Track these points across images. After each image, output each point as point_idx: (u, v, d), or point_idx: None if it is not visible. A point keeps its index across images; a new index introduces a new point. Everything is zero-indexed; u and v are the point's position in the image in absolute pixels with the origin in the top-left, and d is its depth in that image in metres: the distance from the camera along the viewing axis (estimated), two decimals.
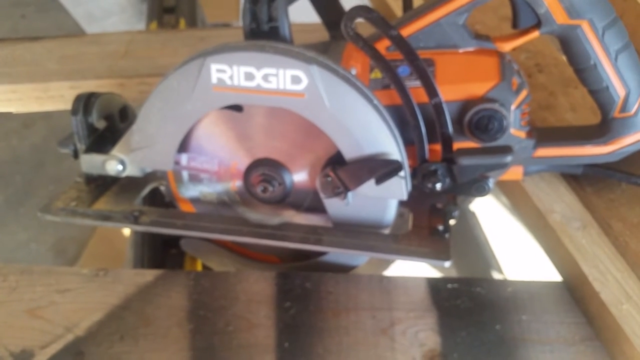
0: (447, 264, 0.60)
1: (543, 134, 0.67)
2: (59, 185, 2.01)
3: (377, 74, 0.62)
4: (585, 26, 0.60)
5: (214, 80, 0.57)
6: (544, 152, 0.66)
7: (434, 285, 0.66)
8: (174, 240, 0.74)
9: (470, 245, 1.52)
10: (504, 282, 0.67)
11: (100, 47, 0.90)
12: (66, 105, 0.85)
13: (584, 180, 0.71)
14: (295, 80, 0.56)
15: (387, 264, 0.80)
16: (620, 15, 0.88)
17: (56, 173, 2.03)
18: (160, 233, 0.67)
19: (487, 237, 1.52)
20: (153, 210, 0.67)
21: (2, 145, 2.17)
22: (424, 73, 0.57)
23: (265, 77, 0.56)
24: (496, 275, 1.44)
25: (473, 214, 1.55)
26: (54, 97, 0.86)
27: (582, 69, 0.63)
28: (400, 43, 0.56)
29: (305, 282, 0.65)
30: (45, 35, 0.93)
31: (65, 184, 0.72)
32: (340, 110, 0.57)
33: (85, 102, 0.68)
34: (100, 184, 0.71)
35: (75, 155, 0.70)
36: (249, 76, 0.56)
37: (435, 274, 0.67)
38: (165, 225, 0.65)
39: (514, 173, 0.67)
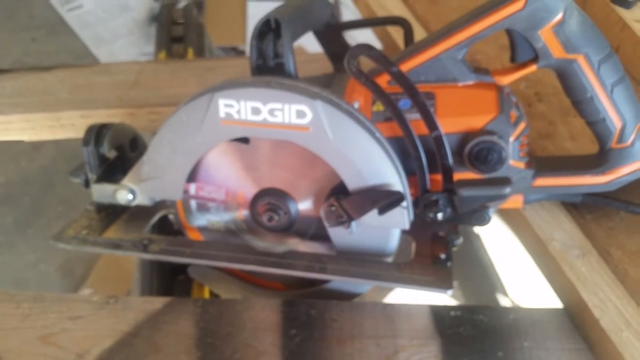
0: (449, 292, 0.61)
1: (542, 164, 0.68)
2: (68, 207, 2.03)
3: (379, 107, 0.64)
4: (582, 60, 0.62)
5: (222, 114, 0.59)
6: (543, 181, 0.67)
7: (437, 313, 0.67)
8: (182, 267, 0.75)
9: (475, 269, 1.53)
10: (506, 310, 0.69)
11: (111, 77, 0.92)
12: (77, 133, 0.88)
13: (584, 208, 0.72)
14: (300, 114, 0.58)
15: (390, 290, 0.81)
16: (617, 46, 0.91)
17: (65, 194, 2.05)
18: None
19: (492, 260, 1.53)
20: (162, 239, 0.69)
21: (12, 166, 2.19)
22: (424, 107, 0.59)
23: (272, 112, 0.58)
24: (501, 299, 1.44)
25: (478, 236, 1.57)
26: (66, 126, 0.89)
27: (579, 101, 0.65)
28: (401, 79, 0.58)
29: (310, 310, 0.67)
30: (56, 64, 0.96)
31: (73, 205, 0.74)
32: (344, 143, 0.59)
33: (96, 133, 0.70)
34: (111, 212, 0.73)
35: (87, 184, 0.72)
36: (256, 111, 0.58)
37: (439, 301, 0.67)
38: (173, 253, 0.67)
39: (515, 202, 0.69)
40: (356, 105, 0.65)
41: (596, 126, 0.66)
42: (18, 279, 1.89)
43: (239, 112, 0.59)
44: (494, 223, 0.71)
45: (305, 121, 0.58)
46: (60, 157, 2.18)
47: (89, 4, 2.72)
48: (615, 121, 0.64)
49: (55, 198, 2.09)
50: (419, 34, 0.94)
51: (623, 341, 0.62)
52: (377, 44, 1.00)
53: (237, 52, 2.45)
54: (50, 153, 2.21)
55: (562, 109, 0.83)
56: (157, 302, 0.68)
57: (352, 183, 0.61)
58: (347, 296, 0.71)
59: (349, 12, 2.30)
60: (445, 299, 0.63)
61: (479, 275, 1.51)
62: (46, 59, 2.55)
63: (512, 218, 0.76)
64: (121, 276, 1.72)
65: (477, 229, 1.53)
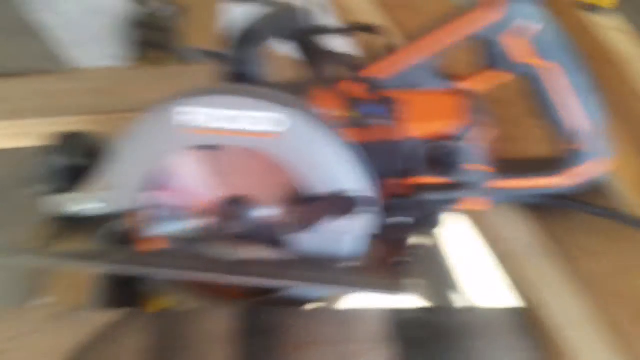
0: (403, 295, 0.61)
1: (503, 167, 0.68)
2: (27, 213, 1.99)
3: (346, 113, 0.64)
4: (555, 68, 0.63)
5: (181, 122, 0.58)
6: (503, 183, 0.68)
7: (392, 316, 0.66)
8: (137, 278, 0.74)
9: (437, 270, 1.53)
10: (460, 310, 0.70)
11: (77, 84, 0.90)
12: (42, 141, 0.86)
13: (545, 209, 0.73)
14: (265, 121, 0.57)
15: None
16: (586, 51, 0.92)
17: (23, 201, 2.00)
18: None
19: (452, 261, 1.54)
20: (116, 250, 0.68)
21: None
22: (388, 113, 0.59)
23: (235, 119, 0.57)
24: (461, 297, 1.44)
25: (439, 239, 1.57)
26: (31, 134, 0.87)
27: (546, 105, 0.66)
28: (368, 85, 0.58)
29: (267, 317, 0.66)
30: (21, 70, 0.94)
31: (33, 212, 0.72)
32: (308, 149, 0.58)
33: (53, 143, 0.69)
34: (65, 223, 0.72)
35: (40, 194, 0.70)
36: (222, 118, 0.57)
37: (396, 303, 0.67)
38: (130, 264, 0.66)
39: (476, 203, 0.69)
40: (324, 111, 0.65)
41: (559, 130, 0.67)
42: None
43: (199, 119, 0.58)
44: (455, 223, 0.72)
45: (269, 128, 0.57)
46: (21, 163, 2.15)
47: (61, 7, 2.69)
48: (577, 125, 0.65)
49: (12, 203, 2.05)
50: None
51: (574, 339, 0.63)
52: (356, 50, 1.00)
53: (217, 54, 2.44)
54: (9, 158, 2.18)
55: (525, 112, 0.83)
56: (107, 316, 0.66)
57: (316, 189, 0.60)
58: (305, 301, 0.70)
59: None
60: (401, 301, 0.63)
61: (439, 274, 1.51)
62: (16, 62, 2.51)
63: (474, 219, 0.76)
64: (80, 284, 1.69)
65: (438, 230, 1.53)
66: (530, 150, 0.78)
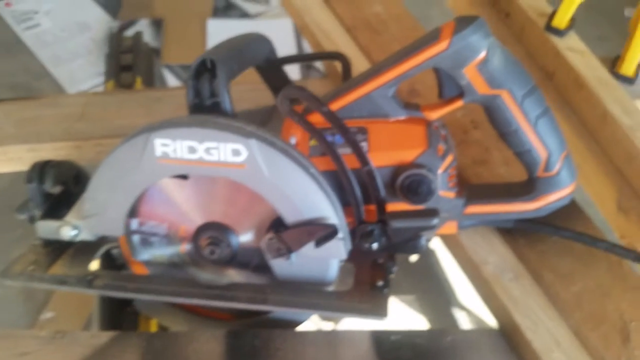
0: (384, 319, 0.63)
1: (473, 192, 0.71)
2: (27, 230, 2.00)
3: (315, 142, 0.67)
4: (505, 95, 0.65)
5: (158, 153, 0.61)
6: (474, 209, 0.70)
7: (378, 338, 0.69)
8: (130, 299, 0.76)
9: (431, 282, 1.56)
10: (444, 332, 0.71)
11: (57, 110, 0.93)
12: (24, 166, 0.87)
13: (517, 232, 0.76)
14: (236, 152, 0.59)
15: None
16: (553, 72, 0.95)
17: (17, 227, 2.01)
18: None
19: (447, 273, 1.57)
20: (106, 274, 0.70)
21: None
22: (354, 144, 0.62)
23: (207, 150, 0.60)
24: (456, 312, 1.48)
25: (433, 252, 1.60)
26: (13, 160, 0.89)
27: (504, 132, 0.68)
28: (331, 118, 0.61)
29: (254, 340, 0.68)
30: (2, 98, 0.96)
31: (32, 229, 0.74)
32: (279, 179, 0.61)
33: (40, 170, 0.71)
34: (57, 247, 0.74)
35: (32, 220, 0.72)
36: (192, 149, 0.60)
37: (380, 325, 0.69)
38: (117, 288, 0.68)
39: (449, 227, 0.72)
40: (293, 140, 0.67)
41: (523, 156, 0.69)
42: None
43: (175, 150, 0.60)
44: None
45: (240, 159, 0.60)
46: (19, 180, 2.15)
47: (46, 23, 2.69)
48: (540, 152, 0.68)
49: (14, 221, 2.05)
50: (362, 64, 0.97)
51: None
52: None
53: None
54: (8, 176, 2.18)
55: (497, 136, 0.87)
56: (103, 337, 0.69)
57: (289, 217, 0.63)
58: (291, 324, 0.72)
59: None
60: (387, 322, 0.65)
61: (435, 289, 1.54)
62: (2, 79, 2.51)
63: (448, 242, 0.79)
64: (81, 299, 1.70)
65: (432, 245, 1.56)
66: (500, 174, 0.81)
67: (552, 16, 0.94)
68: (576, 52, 0.92)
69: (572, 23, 0.94)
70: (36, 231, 0.73)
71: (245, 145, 0.59)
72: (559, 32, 0.94)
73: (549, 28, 0.94)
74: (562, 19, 0.93)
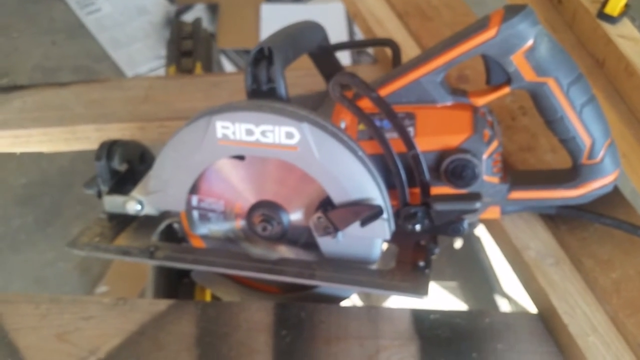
0: (425, 298, 0.66)
1: (517, 178, 0.73)
2: (86, 207, 2.11)
3: (363, 126, 0.70)
4: (552, 83, 0.67)
5: (219, 135, 0.65)
6: (518, 194, 0.72)
7: (417, 316, 0.72)
8: (186, 271, 0.82)
9: (474, 269, 1.57)
10: (482, 313, 0.74)
11: (123, 92, 0.99)
12: (92, 145, 0.95)
13: (559, 219, 0.77)
14: (289, 135, 0.63)
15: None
16: (603, 59, 0.95)
17: (83, 195, 2.11)
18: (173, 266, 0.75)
19: (491, 261, 1.58)
20: (167, 246, 0.75)
21: (33, 167, 2.28)
22: (401, 129, 0.64)
23: (263, 133, 0.64)
24: (499, 299, 1.49)
25: (478, 238, 1.61)
26: (81, 139, 0.95)
27: (550, 120, 0.69)
28: (380, 104, 0.64)
29: (300, 312, 0.72)
30: (72, 80, 1.02)
31: (91, 205, 0.80)
32: (329, 161, 0.64)
33: (108, 149, 0.77)
34: (121, 221, 0.80)
35: (99, 195, 0.78)
36: (249, 132, 0.64)
37: (421, 304, 0.72)
38: (177, 259, 0.74)
39: (492, 212, 0.74)
40: (343, 124, 0.71)
41: (567, 144, 0.70)
42: (38, 277, 1.97)
43: (234, 132, 0.65)
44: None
45: (293, 141, 0.64)
46: (79, 159, 2.26)
47: (107, 8, 2.80)
48: (585, 139, 0.69)
49: (74, 198, 2.17)
50: (412, 49, 0.99)
51: (589, 346, 0.67)
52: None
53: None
54: (70, 155, 2.29)
55: (541, 122, 0.88)
56: (161, 304, 0.75)
57: (337, 197, 0.66)
58: (335, 299, 0.76)
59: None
60: (425, 302, 0.68)
61: (479, 275, 1.55)
62: (66, 62, 2.63)
63: (491, 227, 0.81)
64: (135, 274, 1.79)
65: (477, 231, 1.57)
66: (547, 161, 0.83)
67: (605, 3, 0.94)
68: (628, 39, 0.91)
69: (626, 10, 0.94)
70: (103, 205, 0.79)
71: (298, 128, 0.63)
72: (611, 19, 0.93)
73: (602, 15, 0.94)
74: (615, 6, 0.93)
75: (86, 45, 2.68)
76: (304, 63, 0.81)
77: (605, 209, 0.75)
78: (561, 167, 0.77)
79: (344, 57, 2.29)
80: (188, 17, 2.64)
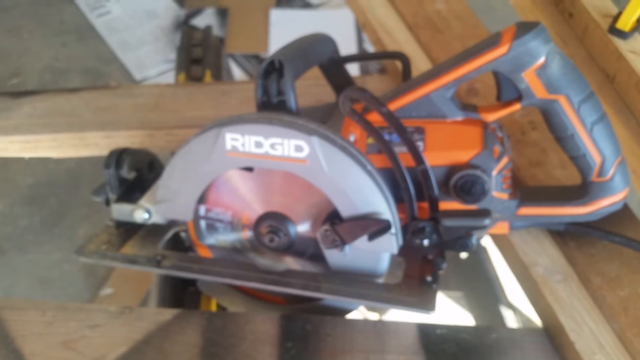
0: (432, 313, 0.66)
1: (527, 194, 0.73)
2: (92, 209, 2.11)
3: (372, 140, 0.70)
4: (563, 100, 0.67)
5: (228, 147, 0.65)
6: (527, 211, 0.72)
7: (424, 330, 0.72)
8: (192, 280, 0.82)
9: (480, 279, 1.57)
10: (489, 329, 0.73)
11: (132, 100, 0.99)
12: (100, 152, 0.95)
13: (568, 235, 0.77)
14: (298, 149, 0.63)
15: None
16: (614, 75, 0.95)
17: (89, 196, 2.11)
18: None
19: (497, 273, 1.57)
20: (174, 255, 0.75)
21: (40, 168, 2.29)
22: (411, 144, 0.64)
23: (273, 145, 0.64)
24: (504, 311, 1.48)
25: (484, 249, 1.61)
26: (90, 145, 0.96)
27: (561, 137, 0.69)
28: (390, 119, 0.64)
29: (306, 324, 0.72)
30: (82, 87, 1.03)
31: (97, 207, 0.80)
32: (337, 175, 0.64)
33: (117, 157, 0.77)
34: (129, 229, 0.80)
35: (107, 203, 0.78)
36: (259, 144, 0.64)
37: (427, 319, 0.71)
38: (183, 269, 0.74)
39: (501, 228, 0.74)
40: (352, 138, 0.71)
41: (577, 161, 0.70)
42: (43, 278, 1.98)
43: (243, 145, 0.65)
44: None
45: (302, 155, 0.64)
46: (86, 160, 2.25)
47: (116, 10, 2.81)
48: (595, 157, 0.69)
49: (81, 200, 2.17)
50: (422, 61, 0.99)
51: None
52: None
53: (259, 59, 2.52)
54: (75, 157, 2.30)
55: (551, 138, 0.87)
56: (167, 314, 0.75)
57: (345, 211, 0.66)
58: (341, 312, 0.76)
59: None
60: (432, 317, 0.68)
61: (484, 286, 1.55)
62: (75, 63, 2.64)
63: (499, 242, 0.81)
64: (140, 277, 1.79)
65: (483, 242, 1.57)
66: (556, 176, 0.82)
67: (616, 18, 0.93)
68: (635, 53, 0.91)
69: (638, 25, 0.93)
70: (111, 213, 0.79)
71: (308, 142, 0.63)
72: (623, 34, 0.93)
73: (613, 30, 0.94)
74: (627, 21, 0.92)
75: (95, 48, 2.69)
76: (313, 72, 0.81)
77: (614, 227, 0.74)
78: (570, 182, 0.77)
79: (352, 67, 2.29)
80: (197, 21, 2.65)
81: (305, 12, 2.70)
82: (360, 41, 2.54)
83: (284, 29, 2.63)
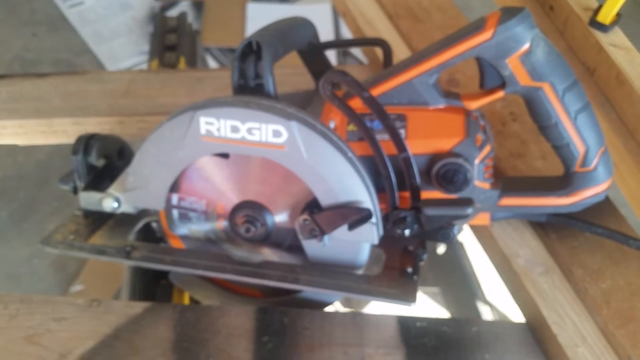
0: (413, 306, 0.64)
1: (508, 184, 0.71)
2: (62, 203, 2.06)
3: (353, 127, 0.68)
4: (547, 88, 0.65)
5: (202, 131, 0.62)
6: (508, 201, 0.71)
7: (404, 323, 0.70)
8: (164, 272, 0.79)
9: (457, 276, 1.56)
10: (470, 322, 0.72)
11: (103, 85, 0.95)
12: (69, 139, 0.91)
13: (549, 227, 0.76)
14: (277, 134, 0.61)
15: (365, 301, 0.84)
16: (594, 67, 0.94)
17: (59, 190, 2.06)
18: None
19: (474, 267, 1.57)
20: (144, 246, 0.72)
21: (8, 161, 2.22)
22: (393, 130, 0.62)
23: (250, 130, 0.61)
24: (480, 306, 1.48)
25: (461, 244, 1.60)
26: (58, 132, 0.92)
27: (544, 126, 0.68)
28: (372, 104, 0.62)
29: (283, 318, 0.70)
30: (50, 72, 0.99)
31: (67, 201, 0.77)
32: (317, 162, 0.62)
33: (85, 143, 0.74)
34: (97, 218, 0.77)
35: (75, 191, 0.75)
36: (235, 129, 0.62)
37: (407, 311, 0.70)
38: (154, 260, 0.71)
39: (482, 219, 0.72)
40: (332, 124, 0.68)
41: (561, 150, 0.69)
42: (11, 274, 1.92)
43: (218, 129, 0.62)
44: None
45: (281, 140, 0.61)
46: (57, 153, 2.21)
47: (90, 1, 2.75)
48: (578, 146, 0.68)
49: (50, 194, 2.12)
50: (403, 51, 0.97)
51: (578, 357, 0.66)
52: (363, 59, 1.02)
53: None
54: (46, 149, 2.24)
55: (535, 129, 0.86)
56: (138, 307, 0.71)
57: (325, 199, 0.64)
58: (319, 305, 0.74)
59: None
60: (411, 309, 0.66)
61: (461, 282, 1.54)
62: (46, 54, 2.58)
63: (480, 234, 0.79)
64: (111, 273, 1.75)
65: (460, 237, 1.56)
66: (537, 168, 0.81)
67: (597, 11, 0.93)
68: (620, 48, 0.90)
69: (618, 19, 0.93)
70: (79, 202, 0.75)
71: (286, 126, 0.60)
72: (603, 27, 0.92)
73: (593, 23, 0.93)
74: (607, 14, 0.92)
75: (67, 39, 2.63)
76: (292, 60, 0.78)
77: (595, 218, 0.73)
78: (551, 174, 0.76)
79: (331, 59, 2.27)
80: (172, 13, 2.60)
81: (282, 6, 2.67)
82: (338, 37, 2.52)
83: (261, 23, 2.58)
